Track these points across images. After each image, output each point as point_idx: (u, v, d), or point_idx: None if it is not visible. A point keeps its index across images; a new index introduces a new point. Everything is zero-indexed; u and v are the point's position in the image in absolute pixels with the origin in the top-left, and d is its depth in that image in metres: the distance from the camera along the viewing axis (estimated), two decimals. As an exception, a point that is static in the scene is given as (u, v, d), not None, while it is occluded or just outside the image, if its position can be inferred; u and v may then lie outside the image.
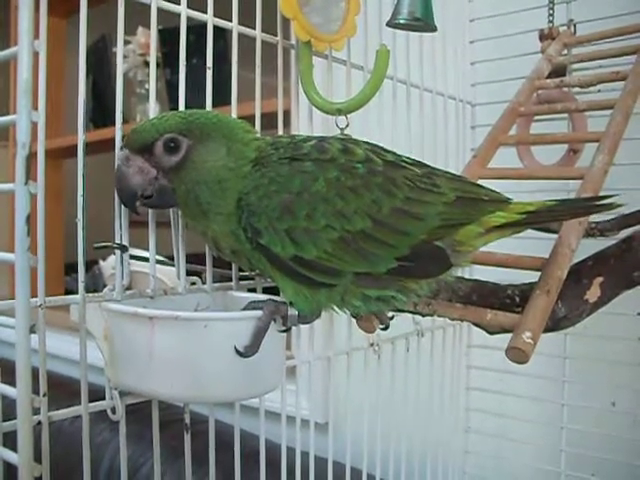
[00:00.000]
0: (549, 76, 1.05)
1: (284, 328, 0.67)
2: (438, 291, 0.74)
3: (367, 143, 0.69)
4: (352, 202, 0.62)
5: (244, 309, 0.65)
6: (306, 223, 0.62)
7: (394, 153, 0.69)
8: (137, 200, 0.65)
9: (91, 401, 0.66)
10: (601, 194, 0.79)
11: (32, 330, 0.43)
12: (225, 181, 0.64)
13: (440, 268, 0.66)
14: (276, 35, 0.85)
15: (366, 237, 0.62)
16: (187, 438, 0.75)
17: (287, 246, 0.62)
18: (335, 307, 0.67)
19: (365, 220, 0.62)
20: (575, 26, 1.12)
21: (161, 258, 0.85)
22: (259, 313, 0.63)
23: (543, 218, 0.69)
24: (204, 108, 0.75)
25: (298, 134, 0.72)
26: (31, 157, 0.42)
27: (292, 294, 0.65)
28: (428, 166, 0.70)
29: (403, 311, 0.75)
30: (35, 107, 0.43)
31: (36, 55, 0.44)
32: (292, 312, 0.65)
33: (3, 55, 0.45)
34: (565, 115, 1.09)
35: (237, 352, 0.61)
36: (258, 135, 0.70)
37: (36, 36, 0.44)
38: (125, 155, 0.64)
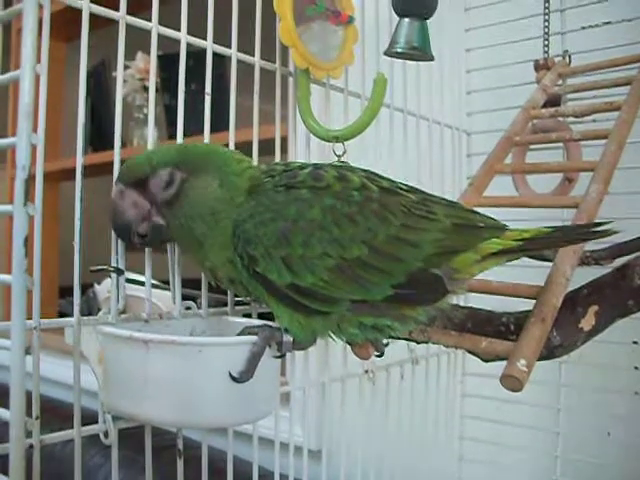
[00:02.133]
0: (544, 106, 1.06)
1: (279, 354, 0.67)
2: (434, 318, 0.74)
3: (363, 170, 0.69)
4: (348, 229, 0.62)
5: (239, 334, 0.65)
6: (302, 251, 0.62)
7: (390, 180, 0.69)
8: (132, 233, 0.65)
9: (84, 425, 0.66)
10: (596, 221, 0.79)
11: (27, 352, 0.43)
12: (219, 213, 0.64)
13: (436, 295, 0.65)
14: (274, 62, 0.85)
15: (362, 264, 0.62)
16: (180, 463, 0.74)
17: (283, 274, 0.62)
18: (332, 334, 0.67)
19: (361, 247, 0.62)
20: (570, 57, 1.14)
21: (156, 282, 0.85)
22: (254, 338, 0.63)
23: (539, 245, 0.69)
24: (202, 133, 0.76)
25: (293, 161, 0.72)
26: (30, 179, 0.42)
27: (288, 321, 0.65)
28: (423, 192, 0.70)
29: (398, 338, 0.75)
30: (35, 130, 0.43)
31: (37, 78, 0.44)
32: (287, 338, 0.65)
33: (5, 79, 0.46)
34: (560, 144, 1.10)
35: (232, 377, 0.61)
36: (252, 163, 0.70)
37: (37, 60, 0.45)
38: (119, 189, 0.64)
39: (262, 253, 0.62)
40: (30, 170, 0.43)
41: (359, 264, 0.62)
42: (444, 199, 0.71)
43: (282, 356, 0.67)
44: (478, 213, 0.71)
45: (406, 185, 0.70)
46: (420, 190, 0.70)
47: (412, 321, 0.67)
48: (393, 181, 0.69)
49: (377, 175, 0.69)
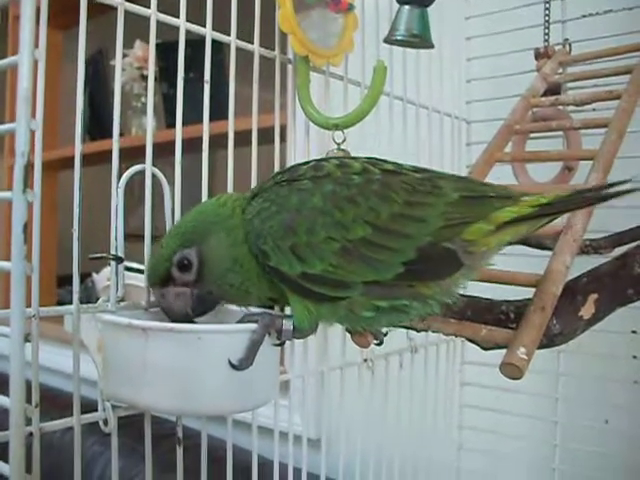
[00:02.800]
0: (544, 94, 1.05)
1: (279, 342, 0.67)
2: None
3: (368, 158, 0.69)
4: (349, 211, 0.62)
5: (239, 322, 0.65)
6: (307, 238, 0.62)
7: (396, 163, 0.68)
8: (190, 317, 0.67)
9: (83, 413, 0.66)
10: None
11: (27, 339, 0.43)
12: (238, 258, 0.66)
13: (450, 268, 0.64)
14: (273, 49, 0.85)
15: (368, 244, 0.61)
16: (179, 452, 0.74)
17: (294, 264, 0.62)
18: (340, 321, 0.66)
19: (364, 228, 0.61)
20: (570, 45, 1.14)
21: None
22: (254, 326, 0.63)
23: (556, 209, 0.65)
24: (200, 122, 0.76)
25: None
26: (29, 166, 0.42)
27: (300, 311, 0.65)
28: (432, 171, 0.69)
29: (397, 326, 0.75)
30: (33, 116, 0.43)
31: (35, 64, 0.44)
32: (287, 326, 0.65)
33: (3, 64, 0.45)
34: (560, 133, 1.10)
35: (231, 365, 0.61)
36: (232, 194, 0.71)
37: (35, 46, 0.45)
38: (158, 293, 0.67)
39: (272, 247, 0.63)
40: (29, 157, 0.42)
41: (364, 244, 0.61)
42: (454, 175, 0.70)
43: (282, 344, 0.67)
44: (491, 184, 0.69)
45: (413, 166, 0.69)
46: (428, 169, 0.69)
47: (432, 301, 0.65)
48: (399, 164, 0.68)
49: (382, 160, 0.68)
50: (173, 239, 0.67)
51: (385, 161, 0.68)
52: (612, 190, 0.64)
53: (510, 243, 0.68)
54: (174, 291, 0.67)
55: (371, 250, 0.61)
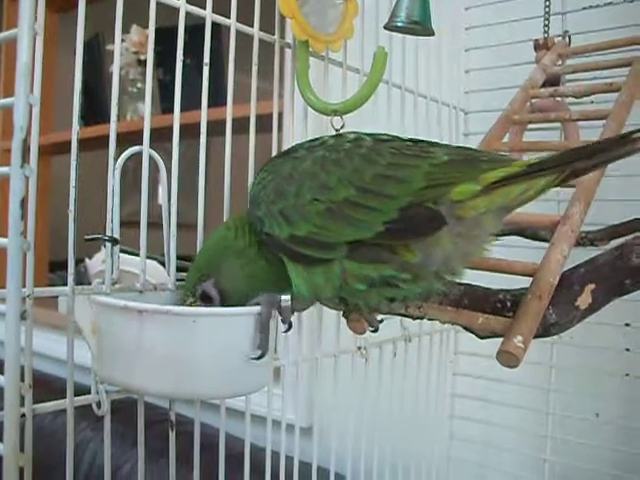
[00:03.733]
0: (543, 86, 1.05)
1: (285, 328, 0.69)
2: (429, 294, 0.73)
3: (366, 133, 0.69)
4: (335, 174, 0.63)
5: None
6: (294, 200, 0.63)
7: (395, 136, 0.69)
8: None
9: (75, 397, 0.65)
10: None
11: (23, 316, 0.43)
12: (255, 273, 0.69)
13: (432, 226, 0.62)
14: (272, 34, 0.84)
15: (350, 205, 0.62)
16: (172, 436, 0.74)
17: (283, 226, 0.63)
18: (337, 293, 0.65)
19: (348, 188, 0.62)
20: (570, 37, 1.13)
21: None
22: (250, 309, 0.63)
23: (548, 165, 0.62)
24: (196, 108, 0.75)
25: None
26: (27, 141, 0.42)
27: (296, 276, 0.65)
28: (430, 142, 0.69)
29: (394, 314, 0.75)
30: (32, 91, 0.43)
31: (34, 39, 0.43)
32: (286, 303, 0.66)
33: (1, 37, 0.45)
34: (558, 126, 1.10)
35: (252, 358, 0.62)
36: (240, 213, 0.72)
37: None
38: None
39: (264, 212, 0.65)
40: (27, 134, 0.42)
41: (347, 205, 0.62)
42: (451, 145, 0.70)
43: (289, 329, 0.69)
44: (489, 152, 0.69)
45: (411, 138, 0.69)
46: (426, 140, 0.69)
47: (424, 272, 0.63)
48: (397, 136, 0.69)
49: (382, 134, 0.69)
50: (193, 273, 0.70)
51: (385, 134, 0.69)
52: (609, 141, 0.61)
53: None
54: None
55: (354, 210, 0.62)
